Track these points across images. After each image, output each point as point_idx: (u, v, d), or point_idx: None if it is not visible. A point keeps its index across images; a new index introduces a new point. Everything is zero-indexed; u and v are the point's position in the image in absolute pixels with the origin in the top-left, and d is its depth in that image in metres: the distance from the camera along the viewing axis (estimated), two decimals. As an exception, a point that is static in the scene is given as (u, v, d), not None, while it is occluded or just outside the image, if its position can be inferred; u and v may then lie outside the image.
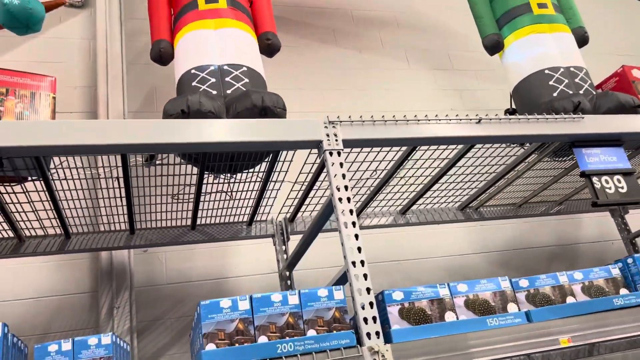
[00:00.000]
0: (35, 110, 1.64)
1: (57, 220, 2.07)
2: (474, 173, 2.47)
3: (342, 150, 1.76)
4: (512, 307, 1.68)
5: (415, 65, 3.67)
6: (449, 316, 1.62)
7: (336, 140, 1.77)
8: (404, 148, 2.07)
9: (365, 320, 1.51)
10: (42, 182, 1.78)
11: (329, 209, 1.80)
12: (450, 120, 1.94)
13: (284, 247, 2.48)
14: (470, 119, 1.96)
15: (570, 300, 1.77)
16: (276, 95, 1.85)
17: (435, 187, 2.53)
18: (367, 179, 2.32)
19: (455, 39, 3.79)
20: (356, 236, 1.64)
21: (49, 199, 1.89)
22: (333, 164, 1.73)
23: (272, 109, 1.79)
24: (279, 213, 2.48)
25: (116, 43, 2.99)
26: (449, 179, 2.48)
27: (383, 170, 2.25)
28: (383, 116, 1.85)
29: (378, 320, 1.51)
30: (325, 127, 1.77)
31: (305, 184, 2.20)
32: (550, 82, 2.39)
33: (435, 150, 2.17)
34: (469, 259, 3.10)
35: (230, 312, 1.42)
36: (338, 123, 1.79)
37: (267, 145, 1.73)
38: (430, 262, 3.02)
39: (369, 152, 2.06)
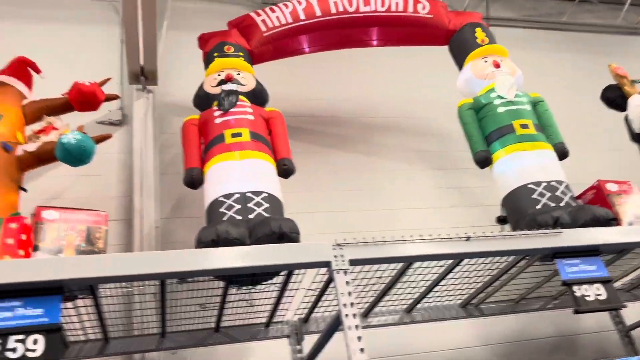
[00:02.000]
0: (91, 242, 1.97)
1: (100, 327, 2.35)
2: (470, 277, 2.73)
3: (348, 269, 2.05)
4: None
5: (417, 165, 4.01)
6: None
7: (343, 260, 2.06)
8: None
9: None
10: (92, 299, 2.08)
11: (337, 321, 2.07)
12: (442, 239, 2.23)
13: (298, 347, 2.71)
14: (460, 237, 2.25)
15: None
16: (291, 221, 2.18)
17: (435, 289, 2.78)
18: (374, 284, 2.59)
19: (454, 140, 4.14)
20: (359, 338, 1.89)
21: (95, 311, 2.18)
22: (340, 282, 2.01)
23: (288, 235, 2.10)
24: (294, 315, 2.74)
25: (150, 156, 3.39)
26: (448, 282, 2.73)
27: (388, 277, 2.53)
28: (383, 237, 2.15)
29: None
30: (334, 248, 2.07)
31: (317, 290, 2.47)
32: (533, 196, 2.70)
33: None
34: (473, 351, 3.29)
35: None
36: (345, 245, 2.09)
37: (282, 267, 2.04)
38: (437, 356, 3.21)
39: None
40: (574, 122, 3.87)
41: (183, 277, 1.97)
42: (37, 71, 2.78)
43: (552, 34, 5.31)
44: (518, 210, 2.72)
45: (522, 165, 2.79)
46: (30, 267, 1.76)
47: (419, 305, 2.95)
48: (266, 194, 2.35)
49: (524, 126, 2.89)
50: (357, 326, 1.93)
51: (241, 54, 3.00)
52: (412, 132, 4.21)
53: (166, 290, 2.14)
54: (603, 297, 2.31)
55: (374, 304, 2.78)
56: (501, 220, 2.86)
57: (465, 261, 2.51)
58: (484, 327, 3.35)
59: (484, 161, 2.91)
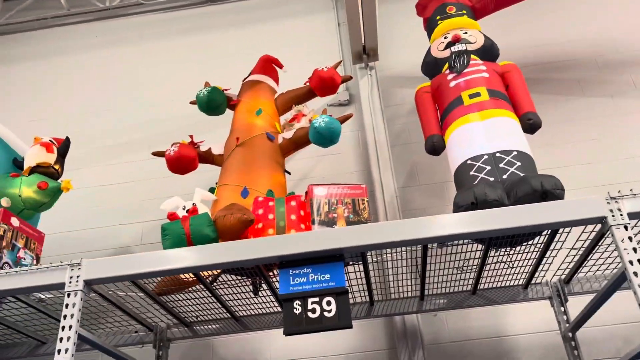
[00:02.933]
0: (357, 213, 2.14)
1: (367, 291, 2.55)
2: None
3: (629, 224, 1.86)
4: None
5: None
6: None
7: (621, 215, 1.88)
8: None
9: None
10: (361, 264, 2.26)
11: (620, 280, 1.90)
12: None
13: (562, 309, 2.57)
14: None
15: None
16: (553, 177, 2.05)
17: None
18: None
19: None
20: (655, 306, 1.70)
21: (364, 276, 2.37)
22: (623, 239, 1.84)
23: (552, 192, 1.99)
24: (553, 275, 2.60)
25: (381, 130, 3.53)
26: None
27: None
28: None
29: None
30: (608, 203, 1.90)
31: (582, 249, 2.30)
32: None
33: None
34: None
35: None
36: (621, 198, 1.90)
37: (549, 226, 1.94)
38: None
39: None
40: None
41: (444, 241, 2.01)
42: (280, 66, 3.10)
43: None
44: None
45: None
46: (316, 238, 1.98)
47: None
48: (516, 152, 2.26)
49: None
50: None
51: (464, 11, 2.91)
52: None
53: (427, 254, 2.22)
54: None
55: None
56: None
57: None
58: None
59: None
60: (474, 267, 2.41)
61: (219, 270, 2.25)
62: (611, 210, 1.88)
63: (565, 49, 3.74)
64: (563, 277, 2.60)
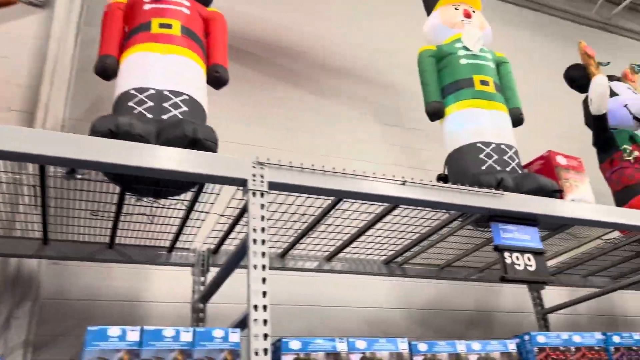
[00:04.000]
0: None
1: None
2: (399, 230, 2.54)
3: (267, 191, 1.78)
4: (406, 370, 1.71)
5: (367, 117, 3.77)
6: (343, 372, 1.63)
7: (262, 181, 1.79)
8: (331, 197, 2.12)
9: (257, 366, 1.50)
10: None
11: (244, 248, 1.81)
12: (377, 178, 2.00)
13: (202, 279, 2.45)
14: (396, 180, 2.03)
15: (461, 370, 1.82)
16: (210, 128, 1.87)
17: (361, 239, 2.57)
18: (295, 221, 2.35)
19: (410, 98, 3.92)
20: (263, 280, 1.64)
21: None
22: (254, 204, 1.75)
23: (202, 142, 1.80)
24: (203, 244, 2.47)
25: (69, 47, 2.96)
26: (375, 232, 2.53)
27: (311, 215, 2.29)
28: (313, 165, 1.89)
29: (269, 368, 1.51)
30: (253, 167, 1.80)
31: (232, 217, 2.20)
32: (481, 156, 2.51)
33: (363, 204, 2.23)
34: (391, 313, 3.13)
35: (118, 341, 1.39)
36: (266, 165, 1.82)
37: (191, 176, 1.74)
38: (353, 312, 3.03)
39: (298, 196, 2.10)
40: (532, 101, 3.72)
41: (65, 165, 1.64)
42: None
43: (526, 11, 5.15)
44: (462, 168, 2.53)
45: (475, 122, 2.59)
46: None
47: (340, 255, 2.74)
48: (187, 97, 2.03)
49: (484, 83, 2.69)
50: (263, 253, 1.68)
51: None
52: (367, 81, 3.95)
53: (47, 185, 1.81)
54: (533, 268, 2.17)
55: (292, 245, 2.54)
56: (441, 179, 2.67)
57: (397, 212, 2.31)
58: (404, 291, 3.20)
59: (436, 113, 2.70)
60: (111, 214, 2.09)
61: None
62: (254, 175, 1.79)
63: (288, 35, 3.79)
64: (212, 247, 2.49)
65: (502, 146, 2.56)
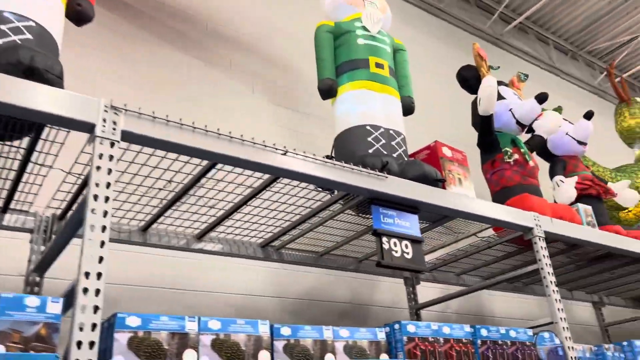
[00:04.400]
0: None
1: None
2: (278, 210, 2.35)
3: (118, 141, 1.50)
4: (263, 356, 1.52)
5: (259, 95, 3.55)
6: (188, 355, 1.40)
7: (114, 129, 1.51)
8: (203, 163, 1.88)
9: (79, 344, 1.23)
10: None
11: (83, 206, 1.51)
12: (255, 144, 1.79)
13: (42, 248, 2.08)
14: (277, 149, 1.84)
15: (329, 357, 1.66)
16: (54, 59, 1.55)
17: (236, 217, 2.35)
18: (160, 189, 2.07)
19: (305, 80, 3.77)
20: (102, 243, 1.37)
21: None
22: (102, 155, 1.46)
23: (42, 72, 1.48)
24: (48, 207, 2.10)
25: None
26: (252, 210, 2.32)
27: (180, 183, 2.03)
28: (181, 119, 1.64)
29: (96, 347, 1.24)
30: (105, 110, 1.51)
31: (82, 177, 1.88)
32: (369, 139, 2.40)
33: (240, 175, 2.02)
34: (262, 302, 2.94)
35: None
36: (122, 110, 1.54)
37: (21, 112, 1.41)
38: (221, 299, 2.79)
39: (163, 157, 1.83)
40: (420, 101, 3.73)
41: None
42: None
43: (425, 14, 5.24)
44: (349, 150, 2.40)
45: (366, 105, 2.48)
46: None
47: (213, 234, 2.49)
48: (34, 23, 1.68)
49: (379, 65, 2.59)
50: (105, 212, 1.40)
51: None
52: (263, 58, 3.73)
53: None
54: (409, 256, 2.09)
55: (157, 217, 2.25)
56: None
57: (276, 188, 2.13)
58: (280, 279, 3.03)
59: (328, 90, 2.55)
60: None
61: None
62: (104, 120, 1.50)
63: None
64: (59, 212, 2.13)
65: (391, 131, 2.47)
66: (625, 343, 2.71)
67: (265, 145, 1.81)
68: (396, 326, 1.87)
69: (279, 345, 1.59)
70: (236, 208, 2.23)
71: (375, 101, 2.50)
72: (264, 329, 1.56)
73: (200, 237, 2.47)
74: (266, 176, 2.02)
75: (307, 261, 2.81)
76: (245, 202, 2.18)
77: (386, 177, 2.10)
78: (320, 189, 2.33)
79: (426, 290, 3.34)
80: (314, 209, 2.33)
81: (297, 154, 1.88)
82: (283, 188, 2.16)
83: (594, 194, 3.42)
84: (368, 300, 3.33)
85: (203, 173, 1.92)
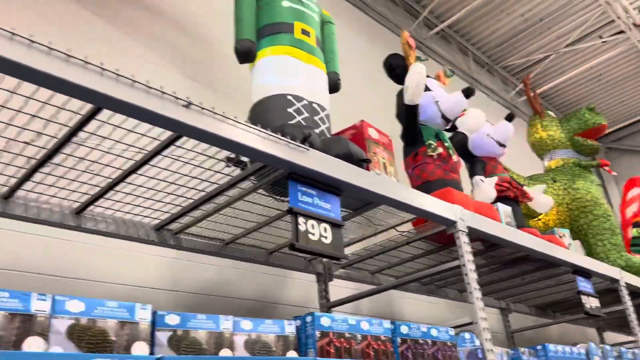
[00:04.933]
0: None
1: None
2: (177, 184, 2.00)
3: (-45, 56, 1.11)
4: (140, 348, 1.17)
5: (169, 64, 3.16)
6: (32, 343, 1.02)
7: (-50, 38, 1.11)
8: (84, 110, 1.50)
9: None
10: None
11: None
12: (150, 88, 1.45)
13: None
14: (177, 98, 1.51)
15: (224, 353, 1.34)
16: None
17: (125, 189, 1.97)
18: (27, 143, 1.66)
19: (228, 62, 3.43)
20: None
21: None
22: None
23: None
24: None
25: None
26: (146, 182, 1.96)
27: (53, 138, 1.63)
28: (50, 42, 1.27)
29: None
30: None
31: None
32: (289, 109, 2.13)
33: (131, 133, 1.66)
34: (156, 294, 2.55)
35: None
36: (-36, 16, 1.14)
37: None
38: (103, 287, 2.37)
39: (30, 98, 1.43)
40: (346, 96, 3.53)
41: None
42: None
43: (352, 8, 5.09)
44: (267, 120, 2.10)
45: (288, 73, 2.21)
46: None
47: (96, 208, 2.08)
48: None
49: (305, 32, 2.33)
50: None
51: None
52: (178, 27, 3.35)
53: None
54: (328, 241, 1.82)
55: (23, 182, 1.82)
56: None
57: (178, 153, 1.79)
58: (177, 269, 2.65)
59: (246, 53, 2.25)
60: None
61: None
62: (-64, 23, 1.10)
63: None
64: None
65: (315, 105, 2.22)
66: (539, 347, 2.63)
67: (163, 92, 1.47)
68: (308, 319, 1.59)
69: (163, 336, 1.25)
70: (125, 176, 1.85)
71: (299, 70, 2.23)
72: (143, 315, 1.21)
73: (80, 211, 2.05)
74: (165, 137, 1.68)
75: (210, 250, 2.46)
76: (136, 168, 1.81)
77: (307, 150, 1.83)
78: (230, 163, 2.02)
79: (339, 290, 3.11)
80: (221, 186, 2.01)
81: (203, 108, 1.56)
82: (186, 154, 1.82)
83: (511, 197, 3.37)
84: (277, 297, 3.03)
85: (82, 122, 1.54)
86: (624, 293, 3.56)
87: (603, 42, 6.43)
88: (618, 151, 8.65)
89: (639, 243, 4.82)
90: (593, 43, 6.45)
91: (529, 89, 4.92)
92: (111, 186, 1.91)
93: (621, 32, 6.21)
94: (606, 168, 4.51)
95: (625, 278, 3.67)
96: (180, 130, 1.56)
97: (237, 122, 1.64)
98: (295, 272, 2.99)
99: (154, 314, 1.28)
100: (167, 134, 1.65)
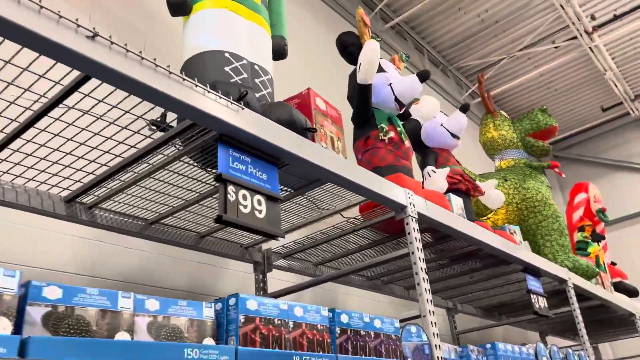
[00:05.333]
0: None
1: None
2: (90, 146, 1.71)
3: None
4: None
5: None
6: None
7: None
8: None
9: None
10: None
11: None
12: (51, 11, 1.17)
13: None
14: (79, 26, 1.23)
15: (121, 336, 1.08)
16: None
17: (26, 150, 1.66)
18: None
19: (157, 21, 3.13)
20: None
21: None
22: None
23: None
24: None
25: None
26: (51, 142, 1.65)
27: None
28: None
29: None
30: None
31: None
32: (227, 68, 1.87)
33: (25, 74, 1.36)
34: (65, 279, 2.22)
35: None
36: None
37: None
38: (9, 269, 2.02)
39: None
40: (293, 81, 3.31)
41: None
42: None
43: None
44: (200, 77, 1.84)
45: (228, 28, 1.96)
46: None
47: (-10, 172, 1.76)
48: None
49: None
50: None
51: None
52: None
53: None
54: (262, 215, 1.58)
55: None
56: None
57: (86, 104, 1.51)
58: (90, 251, 2.33)
59: (180, 4, 1.98)
60: None
61: None
62: None
63: None
64: None
65: (256, 67, 1.98)
66: (488, 346, 2.47)
67: (60, 16, 1.19)
68: (231, 301, 1.34)
69: (36, 312, 0.97)
70: (24, 128, 1.55)
71: (239, 27, 1.98)
72: (6, 284, 0.93)
73: (-31, 174, 1.73)
74: (71, 78, 1.39)
75: (130, 229, 2.16)
76: (37, 118, 1.51)
77: (242, 109, 1.59)
78: (155, 126, 1.75)
79: (278, 283, 2.87)
80: (141, 150, 1.73)
81: (113, 43, 1.28)
82: (97, 106, 1.54)
83: (462, 189, 3.23)
84: (208, 288, 2.75)
85: (-43, 51, 1.24)
86: (572, 294, 3.49)
87: (556, 47, 6.50)
88: (565, 160, 8.81)
89: (584, 247, 4.82)
90: (546, 47, 6.50)
91: (483, 87, 4.85)
92: (5, 142, 1.60)
93: (574, 37, 6.28)
94: (556, 169, 4.48)
95: (573, 279, 3.61)
96: (84, 67, 1.28)
97: (157, 65, 1.38)
98: (230, 260, 2.72)
99: (27, 284, 1.00)
100: (71, 77, 1.37)
